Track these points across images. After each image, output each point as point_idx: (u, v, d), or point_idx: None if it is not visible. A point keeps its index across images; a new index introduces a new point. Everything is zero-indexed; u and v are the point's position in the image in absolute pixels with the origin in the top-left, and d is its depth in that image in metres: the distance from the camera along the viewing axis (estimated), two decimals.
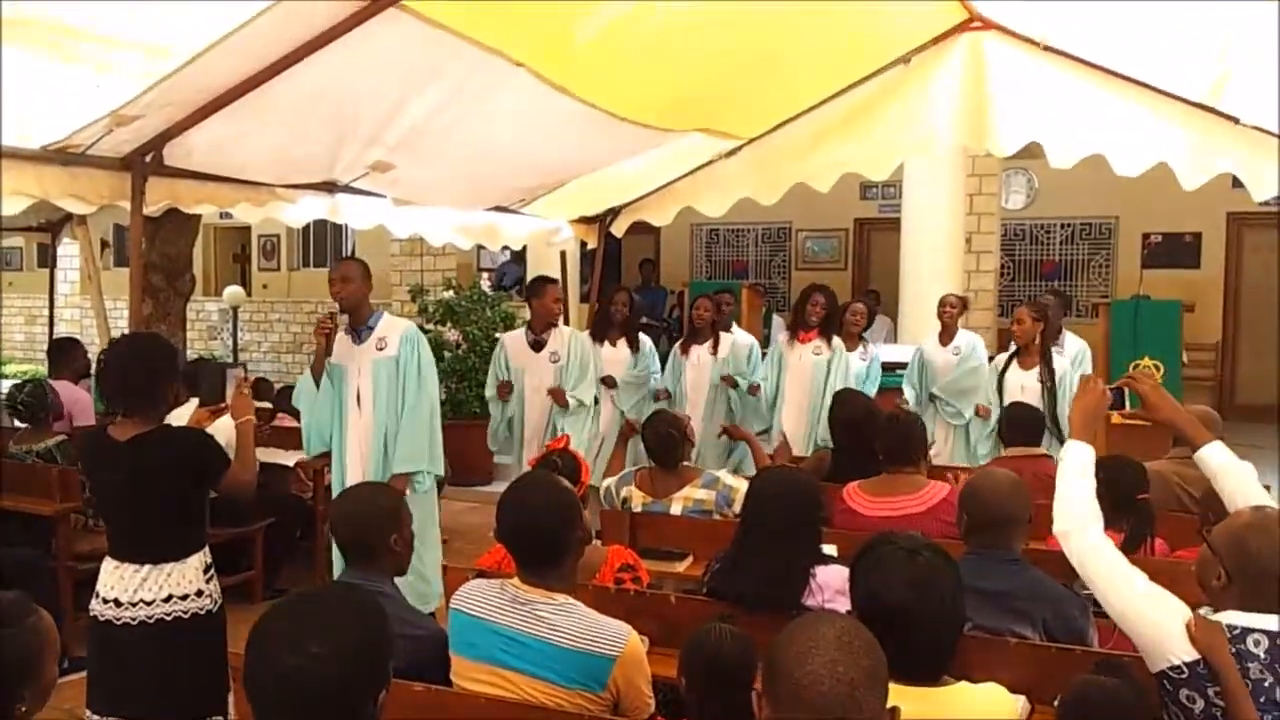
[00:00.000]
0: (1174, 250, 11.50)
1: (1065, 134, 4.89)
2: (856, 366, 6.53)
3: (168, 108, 3.81)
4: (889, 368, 7.24)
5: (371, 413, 4.56)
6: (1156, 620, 2.15)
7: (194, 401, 5.22)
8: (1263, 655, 2.04)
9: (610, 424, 6.25)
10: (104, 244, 12.21)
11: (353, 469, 4.59)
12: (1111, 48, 4.60)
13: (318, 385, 4.61)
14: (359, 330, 4.59)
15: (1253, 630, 2.06)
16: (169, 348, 3.41)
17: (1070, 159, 4.92)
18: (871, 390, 6.41)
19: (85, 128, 3.76)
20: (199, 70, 3.53)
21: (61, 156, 3.90)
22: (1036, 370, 5.79)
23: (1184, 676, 2.08)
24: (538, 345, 5.86)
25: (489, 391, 6.04)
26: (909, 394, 6.73)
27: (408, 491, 4.42)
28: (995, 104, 4.97)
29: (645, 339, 6.72)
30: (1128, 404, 2.85)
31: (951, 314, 6.71)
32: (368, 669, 1.56)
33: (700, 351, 6.63)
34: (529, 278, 11.07)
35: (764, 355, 6.87)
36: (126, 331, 4.09)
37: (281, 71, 3.77)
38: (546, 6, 3.73)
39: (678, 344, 6.87)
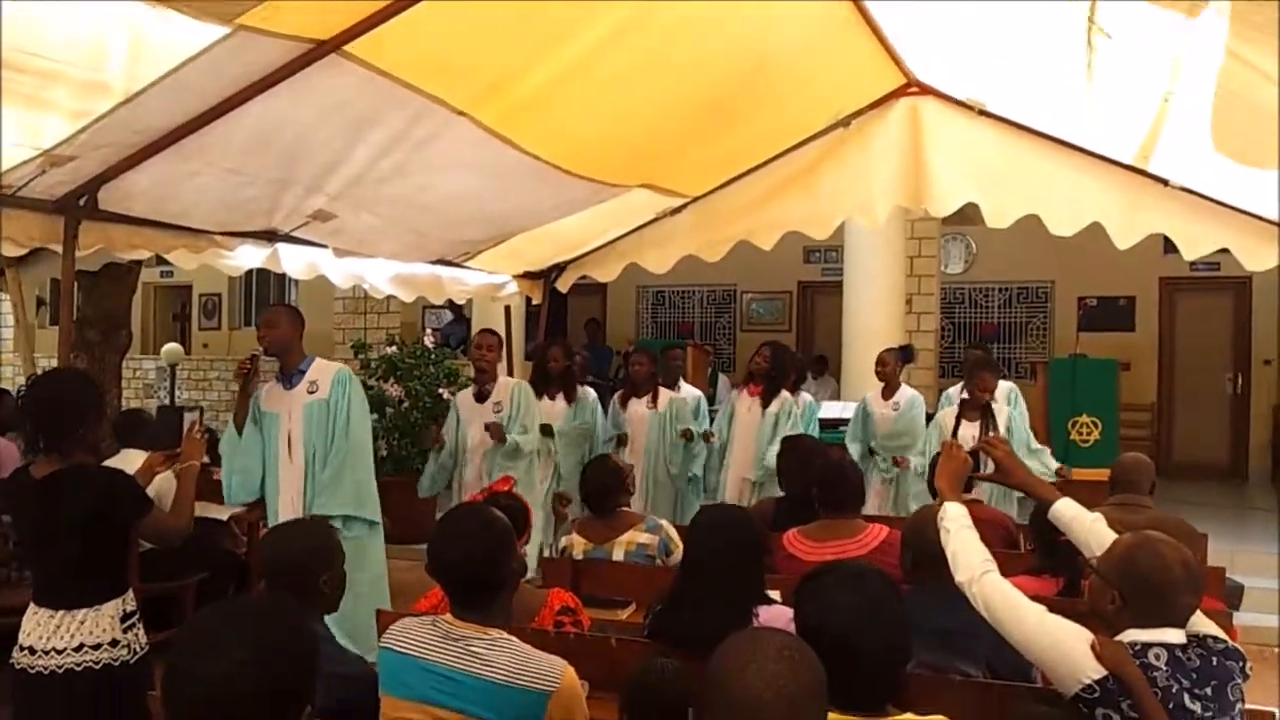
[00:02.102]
0: (1109, 313, 11.79)
1: (1001, 195, 5.00)
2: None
3: (103, 149, 3.71)
4: (832, 424, 7.31)
5: (303, 458, 4.42)
6: (1061, 646, 2.23)
7: (131, 452, 5.05)
8: (1164, 666, 2.13)
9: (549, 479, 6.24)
10: (40, 301, 11.94)
11: (285, 517, 4.38)
12: (1045, 112, 4.72)
13: (240, 430, 4.49)
14: (290, 376, 4.48)
15: (1152, 645, 2.17)
16: (89, 383, 3.24)
17: (1006, 220, 5.02)
18: None
19: (17, 167, 3.65)
20: (136, 111, 3.44)
21: None
22: (978, 423, 5.89)
23: (1096, 695, 2.14)
24: (481, 396, 5.82)
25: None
26: (852, 448, 6.77)
27: None
28: (932, 166, 5.06)
29: (588, 391, 6.72)
30: (984, 467, 2.99)
31: (884, 370, 6.82)
32: (289, 683, 1.48)
33: (638, 405, 6.67)
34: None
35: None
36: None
37: (222, 115, 3.68)
38: (489, 55, 3.74)
39: (616, 395, 6.91)
